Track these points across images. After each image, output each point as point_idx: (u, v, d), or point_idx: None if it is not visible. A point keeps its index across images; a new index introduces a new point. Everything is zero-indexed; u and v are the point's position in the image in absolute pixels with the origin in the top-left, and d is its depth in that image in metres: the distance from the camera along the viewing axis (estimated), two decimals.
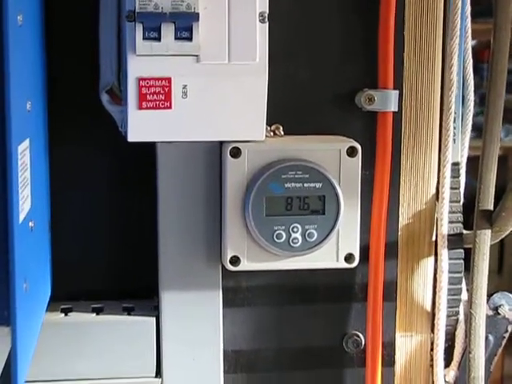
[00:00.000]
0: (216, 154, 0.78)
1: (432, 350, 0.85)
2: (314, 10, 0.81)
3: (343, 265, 0.79)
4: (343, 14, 0.81)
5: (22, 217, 0.60)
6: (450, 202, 0.84)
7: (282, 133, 0.80)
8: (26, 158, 0.63)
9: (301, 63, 0.81)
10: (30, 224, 0.65)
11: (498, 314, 0.85)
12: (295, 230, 0.77)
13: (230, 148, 0.77)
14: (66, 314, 0.80)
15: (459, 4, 0.81)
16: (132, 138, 0.75)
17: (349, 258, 0.79)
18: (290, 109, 0.81)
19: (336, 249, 0.78)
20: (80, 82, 0.80)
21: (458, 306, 0.85)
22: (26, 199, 0.63)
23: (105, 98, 0.78)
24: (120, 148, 0.79)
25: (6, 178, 0.57)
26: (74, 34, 0.80)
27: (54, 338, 0.78)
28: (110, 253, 0.84)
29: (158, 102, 0.74)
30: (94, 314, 0.80)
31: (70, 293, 0.82)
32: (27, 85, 0.64)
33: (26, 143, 0.63)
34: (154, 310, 0.81)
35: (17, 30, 0.58)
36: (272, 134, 0.79)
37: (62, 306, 0.81)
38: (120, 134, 0.78)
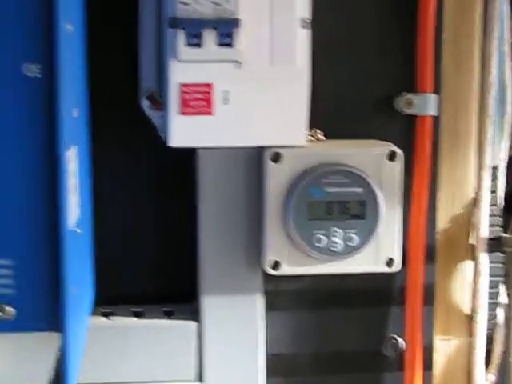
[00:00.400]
0: (256, 158, 0.79)
1: (471, 353, 0.85)
2: (352, 15, 0.81)
3: (384, 269, 0.79)
4: (382, 18, 0.82)
5: (71, 223, 0.61)
6: (489, 205, 0.84)
7: (322, 137, 0.81)
8: (73, 164, 0.63)
9: (339, 67, 0.81)
10: (78, 230, 0.65)
11: None
12: (336, 234, 0.77)
13: (270, 153, 0.77)
14: (107, 318, 0.81)
15: (498, 5, 0.81)
16: (173, 143, 0.75)
17: (389, 262, 0.79)
18: (329, 113, 0.81)
19: (376, 253, 0.79)
20: (120, 87, 0.81)
21: (496, 310, 0.85)
22: (75, 206, 0.63)
23: (145, 103, 0.79)
24: (160, 153, 0.80)
25: (56, 184, 0.58)
26: (114, 40, 0.81)
27: (97, 342, 0.78)
28: (149, 257, 0.85)
29: (199, 108, 0.74)
30: (135, 318, 0.81)
31: (108, 297, 0.83)
32: (74, 92, 0.65)
33: (74, 150, 0.64)
34: (194, 314, 0.81)
35: (67, 39, 0.59)
36: (312, 138, 0.80)
37: (103, 310, 0.81)
38: (160, 139, 0.78)
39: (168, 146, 0.76)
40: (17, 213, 0.59)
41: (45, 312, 0.60)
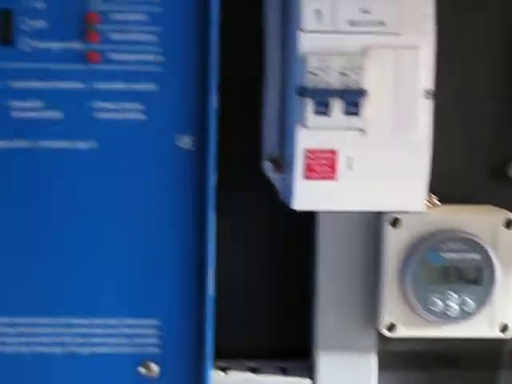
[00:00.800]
0: (374, 221, 0.81)
1: None
2: (466, 84, 0.84)
3: (498, 335, 0.80)
4: (495, 86, 0.84)
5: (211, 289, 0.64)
6: None
7: (437, 202, 0.83)
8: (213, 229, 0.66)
9: (454, 135, 0.84)
10: (212, 293, 0.68)
11: None
12: (451, 299, 0.79)
13: (389, 218, 0.79)
14: (224, 372, 0.83)
15: None
16: (297, 206, 0.78)
17: (504, 328, 0.80)
18: (444, 178, 0.83)
19: (491, 319, 0.80)
20: (241, 149, 0.84)
21: None
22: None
23: (267, 166, 0.82)
24: (279, 214, 0.83)
25: (202, 251, 0.61)
26: (237, 104, 0.84)
27: None
28: (264, 313, 0.87)
29: (323, 173, 0.77)
30: (252, 374, 0.83)
31: (224, 351, 0.86)
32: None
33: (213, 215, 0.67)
34: (308, 371, 0.83)
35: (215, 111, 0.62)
36: (428, 203, 0.82)
37: (220, 364, 0.84)
38: (279, 200, 0.81)
39: (287, 208, 0.79)
40: (165, 277, 0.62)
41: (186, 370, 0.63)
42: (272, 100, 0.82)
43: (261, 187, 0.83)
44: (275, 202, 0.81)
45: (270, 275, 0.87)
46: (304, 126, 0.76)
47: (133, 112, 0.64)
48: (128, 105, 0.64)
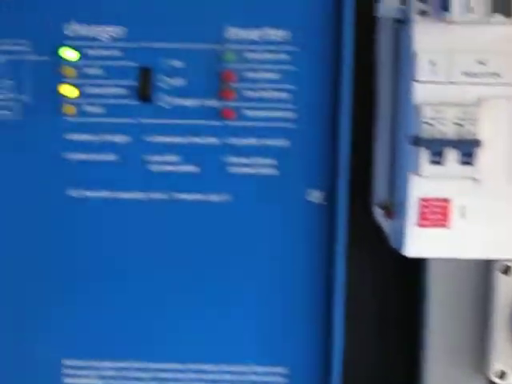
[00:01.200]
0: (485, 268, 0.82)
1: None
2: None
3: None
4: None
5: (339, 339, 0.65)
6: None
7: None
8: None
9: None
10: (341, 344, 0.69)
11: None
12: None
13: (501, 265, 0.80)
14: None
15: None
16: (409, 253, 0.79)
17: None
18: None
19: None
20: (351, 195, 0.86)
21: None
22: None
23: (378, 211, 0.84)
24: (389, 260, 0.84)
25: (330, 301, 0.63)
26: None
27: None
28: (373, 357, 0.88)
29: (435, 221, 0.78)
30: None
31: None
32: None
33: None
34: None
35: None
36: None
37: None
38: (390, 246, 0.82)
39: (397, 253, 0.80)
40: (294, 326, 0.64)
41: None
42: (383, 148, 0.84)
43: (371, 232, 0.84)
44: (385, 248, 0.83)
45: (379, 320, 0.88)
46: (418, 174, 0.77)
47: (265, 167, 0.66)
48: (261, 160, 0.66)
